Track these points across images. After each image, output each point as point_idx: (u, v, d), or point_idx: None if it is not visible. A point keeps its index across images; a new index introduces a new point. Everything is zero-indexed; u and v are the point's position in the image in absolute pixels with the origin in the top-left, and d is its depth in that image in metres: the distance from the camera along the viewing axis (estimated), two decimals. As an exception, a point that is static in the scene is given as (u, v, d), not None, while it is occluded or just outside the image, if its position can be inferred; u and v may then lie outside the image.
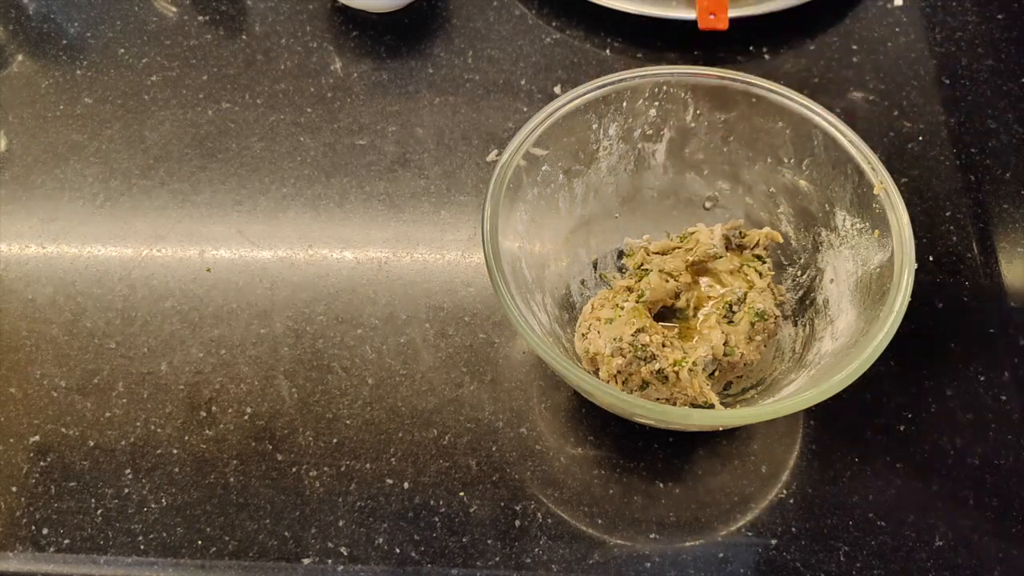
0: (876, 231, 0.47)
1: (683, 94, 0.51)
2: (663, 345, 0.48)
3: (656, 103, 0.52)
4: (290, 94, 0.65)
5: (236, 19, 0.69)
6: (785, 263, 0.53)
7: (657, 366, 0.47)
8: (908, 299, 0.43)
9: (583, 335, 0.50)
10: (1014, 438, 0.51)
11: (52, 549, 0.48)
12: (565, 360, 0.43)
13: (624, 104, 0.51)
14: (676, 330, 0.51)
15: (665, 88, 0.51)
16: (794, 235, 0.53)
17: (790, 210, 0.52)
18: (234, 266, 0.57)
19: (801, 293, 0.52)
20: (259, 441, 0.51)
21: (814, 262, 0.51)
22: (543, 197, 0.51)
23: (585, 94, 0.50)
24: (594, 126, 0.51)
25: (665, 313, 0.52)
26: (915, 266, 0.44)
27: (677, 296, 0.51)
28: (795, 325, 0.52)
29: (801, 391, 0.43)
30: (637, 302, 0.49)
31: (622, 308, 0.49)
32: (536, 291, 0.50)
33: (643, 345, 0.47)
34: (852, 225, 0.49)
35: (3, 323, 0.55)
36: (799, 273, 0.52)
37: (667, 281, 0.51)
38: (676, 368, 0.47)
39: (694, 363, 0.47)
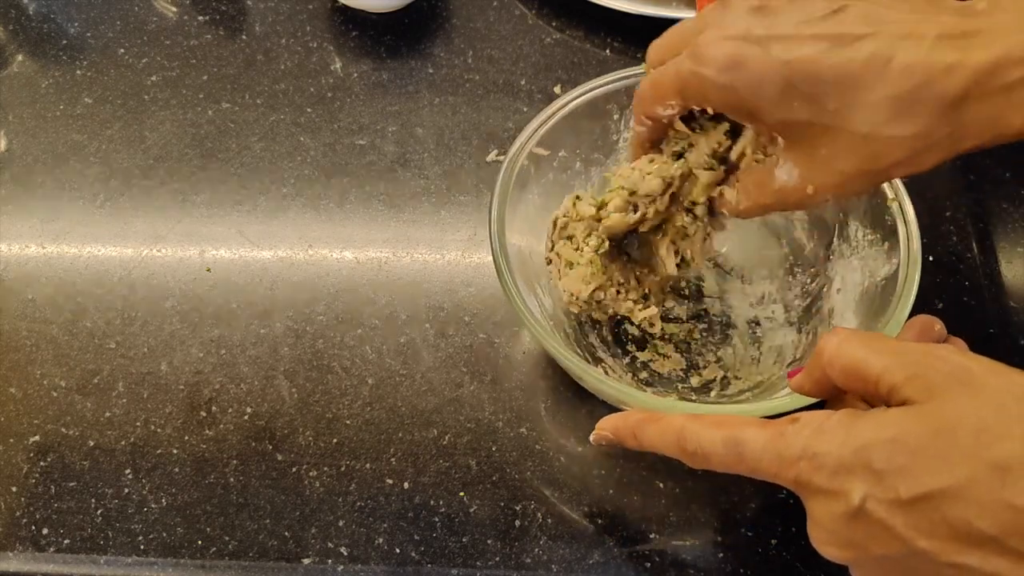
0: (886, 243, 0.47)
1: None
2: (618, 294, 0.49)
3: None
4: (290, 94, 0.65)
5: (236, 19, 0.69)
6: (796, 270, 0.53)
7: (612, 312, 0.49)
8: (908, 310, 0.43)
9: (548, 260, 0.50)
10: (1014, 438, 0.51)
11: (52, 549, 0.48)
12: (555, 339, 0.43)
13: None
14: (635, 269, 0.51)
15: None
16: (807, 243, 0.53)
17: (805, 217, 0.52)
18: (234, 266, 0.57)
19: (808, 301, 0.52)
20: (259, 441, 0.51)
21: (824, 271, 0.51)
22: (559, 183, 0.52)
23: (605, 84, 0.50)
24: (615, 116, 0.52)
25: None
26: (918, 280, 0.44)
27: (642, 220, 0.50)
28: (799, 332, 0.51)
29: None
30: (596, 251, 0.48)
31: (581, 253, 0.48)
32: (543, 275, 0.50)
33: (598, 301, 0.48)
34: (864, 236, 0.48)
35: (3, 323, 0.55)
36: (808, 281, 0.52)
37: (630, 213, 0.49)
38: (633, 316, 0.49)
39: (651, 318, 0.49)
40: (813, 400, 0.40)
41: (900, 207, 0.46)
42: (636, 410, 0.41)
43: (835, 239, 0.51)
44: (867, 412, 0.33)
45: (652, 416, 0.39)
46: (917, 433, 0.31)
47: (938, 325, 0.40)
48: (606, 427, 0.42)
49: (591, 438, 0.43)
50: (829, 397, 0.37)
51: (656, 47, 0.43)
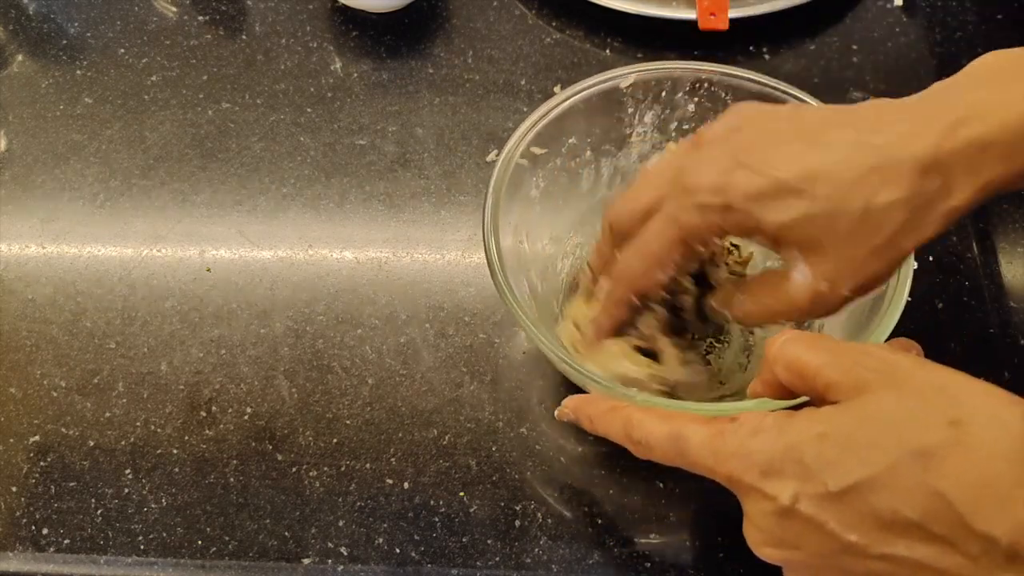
0: None
1: (724, 94, 0.51)
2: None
3: (696, 99, 0.51)
4: (290, 94, 0.65)
5: (236, 19, 0.69)
6: None
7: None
8: (889, 331, 0.43)
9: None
10: (1014, 438, 0.51)
11: (52, 549, 0.48)
12: (530, 319, 0.44)
13: (663, 94, 0.51)
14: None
15: (707, 85, 0.51)
16: None
17: None
18: (234, 266, 0.57)
19: None
20: (259, 441, 0.51)
21: None
22: (565, 169, 0.52)
23: (620, 76, 0.50)
24: (629, 110, 0.52)
25: None
26: (904, 302, 0.44)
27: None
28: None
29: None
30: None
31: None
32: (537, 261, 0.50)
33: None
34: None
35: (3, 323, 0.55)
36: None
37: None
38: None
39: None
40: (776, 405, 0.39)
41: None
42: (598, 395, 0.43)
43: None
44: (800, 411, 0.34)
45: (608, 403, 0.41)
46: (844, 426, 0.32)
47: (915, 350, 0.41)
48: (568, 406, 0.43)
49: (556, 413, 0.44)
50: (780, 397, 0.38)
51: (622, 214, 0.43)
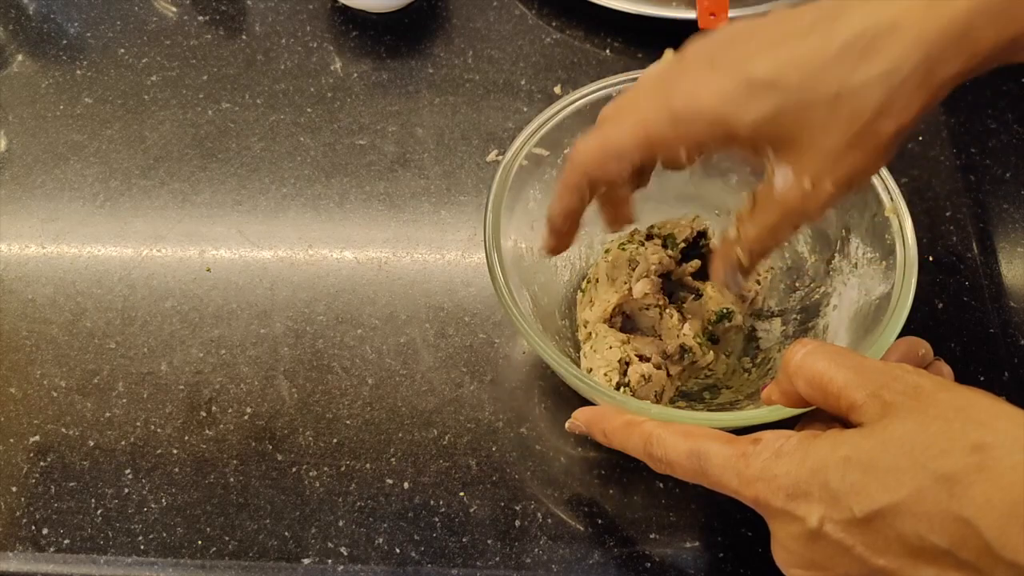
0: (884, 263, 0.46)
1: None
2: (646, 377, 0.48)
3: None
4: (290, 94, 0.65)
5: (236, 19, 0.69)
6: (797, 284, 0.53)
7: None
8: (897, 332, 0.43)
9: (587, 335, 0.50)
10: (1014, 438, 0.51)
11: (52, 549, 0.48)
12: (533, 328, 0.44)
13: None
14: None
15: None
16: (809, 257, 0.52)
17: (808, 232, 0.52)
18: (234, 266, 0.57)
19: (805, 316, 0.51)
20: (259, 441, 0.51)
21: (823, 287, 0.51)
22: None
23: (611, 85, 0.50)
24: None
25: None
26: (910, 302, 0.44)
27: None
28: None
29: None
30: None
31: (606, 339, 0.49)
32: (539, 271, 0.51)
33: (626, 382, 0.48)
34: (863, 254, 0.48)
35: (3, 323, 0.55)
36: (807, 296, 0.52)
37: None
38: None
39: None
40: (790, 412, 0.40)
41: (900, 225, 0.46)
42: (611, 407, 0.42)
43: (836, 255, 0.50)
44: (824, 433, 0.34)
45: (623, 417, 0.40)
46: (868, 450, 0.32)
47: (923, 349, 0.40)
48: (580, 419, 0.43)
49: (566, 425, 0.44)
50: (797, 406, 0.38)
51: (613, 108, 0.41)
